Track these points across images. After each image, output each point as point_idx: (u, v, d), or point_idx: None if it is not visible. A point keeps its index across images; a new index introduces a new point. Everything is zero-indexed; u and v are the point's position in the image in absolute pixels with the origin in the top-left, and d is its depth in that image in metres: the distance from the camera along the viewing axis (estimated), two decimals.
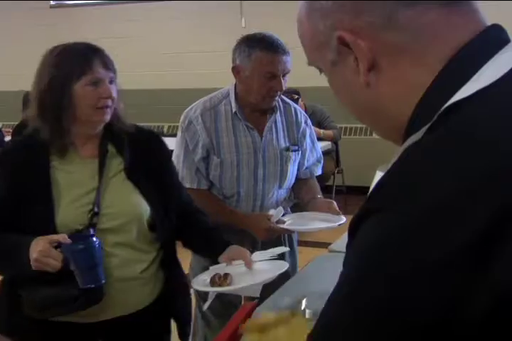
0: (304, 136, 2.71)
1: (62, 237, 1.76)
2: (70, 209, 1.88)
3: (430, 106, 0.71)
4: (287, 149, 2.64)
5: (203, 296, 2.57)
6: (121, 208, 1.93)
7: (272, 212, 2.52)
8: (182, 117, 2.60)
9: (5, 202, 1.87)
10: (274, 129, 2.62)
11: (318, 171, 2.85)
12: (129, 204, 1.95)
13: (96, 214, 1.88)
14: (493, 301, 0.58)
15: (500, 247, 0.58)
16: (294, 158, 2.67)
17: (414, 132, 0.71)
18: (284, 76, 2.47)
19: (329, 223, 2.48)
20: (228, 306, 2.58)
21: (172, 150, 2.51)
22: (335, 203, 2.60)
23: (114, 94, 1.86)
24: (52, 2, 8.67)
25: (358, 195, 6.19)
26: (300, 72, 6.24)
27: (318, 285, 1.95)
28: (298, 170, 2.74)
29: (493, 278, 0.58)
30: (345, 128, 7.13)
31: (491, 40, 0.75)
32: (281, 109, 2.66)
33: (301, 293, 1.85)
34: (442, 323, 0.59)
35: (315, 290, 1.88)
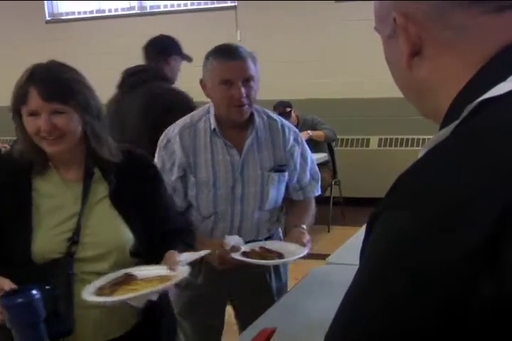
0: (292, 155, 2.53)
1: (8, 285, 1.60)
2: (48, 236, 1.77)
3: (462, 103, 0.73)
4: (271, 169, 2.48)
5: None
6: (102, 237, 1.83)
7: (227, 239, 2.35)
8: (162, 135, 2.51)
9: None
10: (256, 147, 2.46)
11: (316, 192, 2.67)
12: (112, 233, 1.84)
13: (75, 242, 1.77)
14: (498, 301, 0.59)
15: (507, 249, 0.59)
16: (278, 178, 2.50)
17: (445, 126, 0.73)
18: (247, 82, 2.33)
19: (288, 257, 2.30)
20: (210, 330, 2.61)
21: None
22: (306, 235, 2.43)
23: (62, 126, 1.74)
24: (47, 17, 8.70)
25: (355, 206, 6.20)
26: (294, 84, 6.27)
27: (314, 300, 1.94)
28: (288, 190, 2.59)
29: (499, 278, 0.59)
30: (342, 139, 7.14)
31: None
32: (266, 125, 2.50)
33: (298, 308, 1.83)
34: (450, 321, 0.61)
35: (312, 306, 1.87)
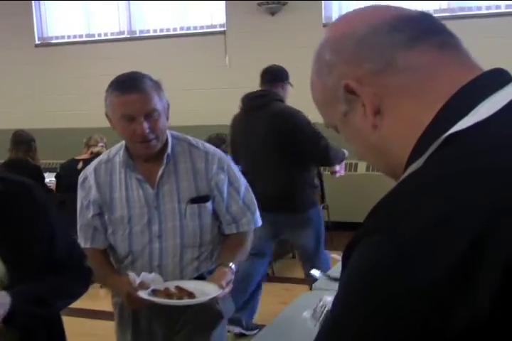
0: (217, 184, 2.30)
1: None
2: None
3: (429, 139, 0.76)
4: (190, 201, 2.28)
5: None
6: None
7: (132, 276, 2.15)
8: (81, 173, 2.40)
9: None
10: (173, 179, 2.27)
11: (252, 225, 2.42)
12: None
13: None
14: (471, 321, 0.61)
15: (477, 273, 0.62)
16: (199, 210, 2.29)
17: (413, 163, 0.76)
18: (149, 116, 2.14)
19: (198, 298, 2.12)
20: None
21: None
22: (228, 276, 2.21)
23: None
24: (37, 41, 8.73)
25: (343, 230, 6.17)
26: None
27: (299, 327, 1.93)
28: (220, 224, 2.37)
29: (472, 300, 0.61)
30: None
31: (490, 81, 0.80)
32: (187, 154, 2.31)
33: (282, 335, 1.81)
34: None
35: (297, 334, 1.86)
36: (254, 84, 7.43)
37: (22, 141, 5.64)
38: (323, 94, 0.90)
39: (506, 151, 0.70)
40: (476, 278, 0.61)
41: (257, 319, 4.25)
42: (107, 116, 2.23)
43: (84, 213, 2.34)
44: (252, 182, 4.10)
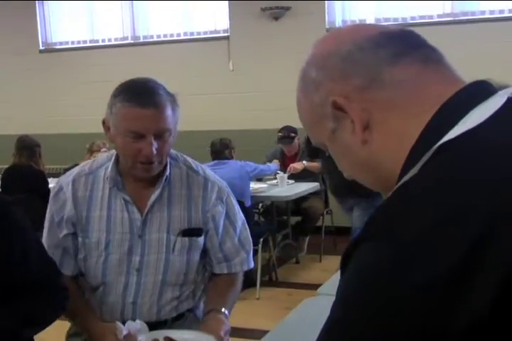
0: (214, 216, 2.05)
1: None
2: None
3: (421, 150, 0.77)
4: (181, 232, 2.01)
5: None
6: None
7: (119, 325, 1.88)
8: (56, 181, 2.12)
9: None
10: (166, 205, 2.01)
11: (245, 266, 2.17)
12: None
13: None
14: (471, 323, 0.62)
15: (478, 274, 0.62)
16: (189, 244, 2.03)
17: (406, 173, 0.77)
18: (160, 136, 1.87)
19: None
20: None
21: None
22: (226, 325, 1.94)
23: None
24: (41, 47, 8.75)
25: (347, 235, 6.18)
26: (285, 115, 6.35)
27: (303, 333, 1.92)
28: (210, 261, 2.14)
29: (472, 301, 0.62)
30: None
31: (476, 92, 0.81)
32: (184, 178, 2.05)
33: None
34: None
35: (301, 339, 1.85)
36: (258, 89, 7.47)
37: (25, 146, 5.67)
38: (310, 112, 0.91)
39: (500, 158, 0.71)
40: (476, 279, 0.62)
41: (260, 324, 4.24)
42: (103, 123, 1.95)
43: (55, 231, 2.05)
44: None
